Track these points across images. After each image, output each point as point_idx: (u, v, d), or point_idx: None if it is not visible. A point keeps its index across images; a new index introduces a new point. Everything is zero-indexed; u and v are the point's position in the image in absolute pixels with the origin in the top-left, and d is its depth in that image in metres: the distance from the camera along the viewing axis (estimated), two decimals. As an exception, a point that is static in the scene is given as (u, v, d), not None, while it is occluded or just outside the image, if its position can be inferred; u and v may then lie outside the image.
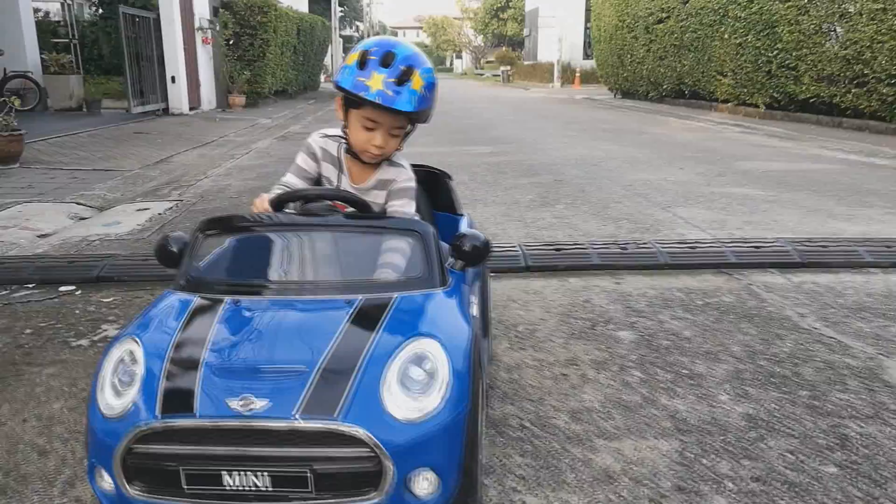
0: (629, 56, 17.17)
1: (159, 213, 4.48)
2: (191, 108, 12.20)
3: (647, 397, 1.89)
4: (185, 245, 1.49)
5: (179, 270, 1.46)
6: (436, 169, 2.08)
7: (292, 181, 1.71)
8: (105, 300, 2.79)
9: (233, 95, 13.79)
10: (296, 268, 1.49)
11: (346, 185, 1.69)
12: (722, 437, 1.67)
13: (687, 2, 13.86)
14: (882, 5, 8.64)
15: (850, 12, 9.27)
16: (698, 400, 1.87)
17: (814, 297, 2.72)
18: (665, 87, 15.57)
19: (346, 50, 40.53)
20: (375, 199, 1.68)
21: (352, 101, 1.55)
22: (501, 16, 47.18)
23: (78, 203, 4.73)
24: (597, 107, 16.17)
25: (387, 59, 1.50)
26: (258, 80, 14.46)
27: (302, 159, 1.73)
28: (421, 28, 71.66)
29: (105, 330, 2.46)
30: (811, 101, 10.55)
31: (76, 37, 12.71)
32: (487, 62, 48.69)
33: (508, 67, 34.80)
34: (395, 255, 1.48)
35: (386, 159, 1.67)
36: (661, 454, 1.60)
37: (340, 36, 36.90)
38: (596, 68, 21.95)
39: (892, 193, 4.98)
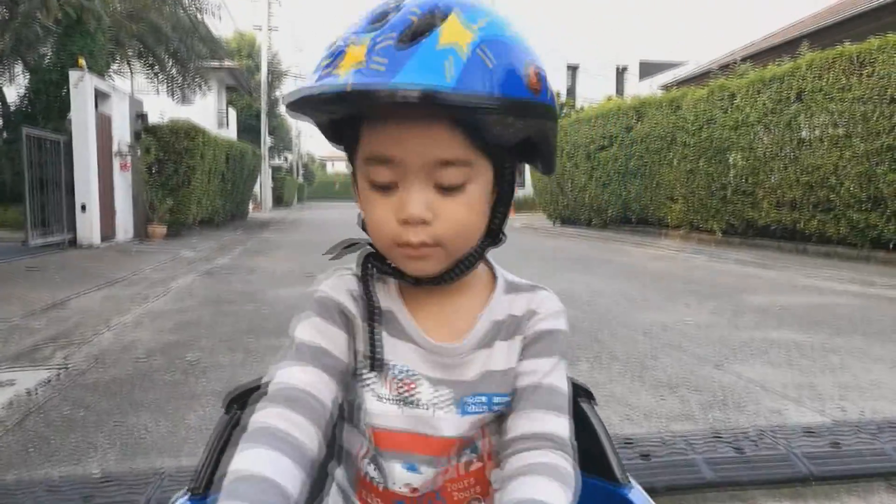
0: (569, 183, 17.02)
1: (27, 392, 3.13)
2: (104, 239, 10.82)
3: None
4: None
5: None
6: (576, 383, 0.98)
7: (289, 384, 0.75)
8: None
9: (153, 225, 12.50)
10: None
11: (423, 358, 0.79)
12: None
13: (631, 129, 13.84)
14: (845, 131, 8.47)
15: (810, 138, 9.10)
16: None
17: None
18: (610, 213, 15.30)
19: (275, 179, 40.11)
20: (489, 366, 0.79)
21: (347, 152, 0.76)
22: (431, 146, 48.28)
23: (-89, 376, 3.34)
24: (542, 235, 15.67)
25: (386, 13, 0.67)
26: (182, 208, 13.28)
27: (311, 329, 0.78)
28: (350, 158, 72.93)
29: None
30: (771, 227, 10.21)
31: (-25, 162, 11.35)
32: (418, 190, 49.17)
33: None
34: None
35: (464, 266, 0.78)
36: None
37: (270, 166, 36.52)
38: (533, 196, 21.90)
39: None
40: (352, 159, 0.77)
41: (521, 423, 0.77)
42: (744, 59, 13.27)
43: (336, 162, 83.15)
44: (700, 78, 17.11)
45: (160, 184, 12.98)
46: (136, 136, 12.63)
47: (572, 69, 30.89)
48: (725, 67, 13.12)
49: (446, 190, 0.71)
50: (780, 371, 3.33)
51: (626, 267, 8.38)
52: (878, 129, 7.97)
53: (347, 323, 0.79)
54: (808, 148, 9.17)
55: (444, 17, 0.65)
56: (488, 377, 0.79)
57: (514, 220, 21.85)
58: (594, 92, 28.22)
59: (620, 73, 30.93)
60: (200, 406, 2.90)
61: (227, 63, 27.37)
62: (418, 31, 0.65)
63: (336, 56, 0.67)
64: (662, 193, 12.96)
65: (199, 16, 17.46)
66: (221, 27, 47.85)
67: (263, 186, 31.79)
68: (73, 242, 10.35)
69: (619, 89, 29.61)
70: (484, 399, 0.79)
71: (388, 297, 0.81)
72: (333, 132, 0.77)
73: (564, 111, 25.03)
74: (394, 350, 0.79)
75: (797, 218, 9.57)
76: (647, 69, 31.26)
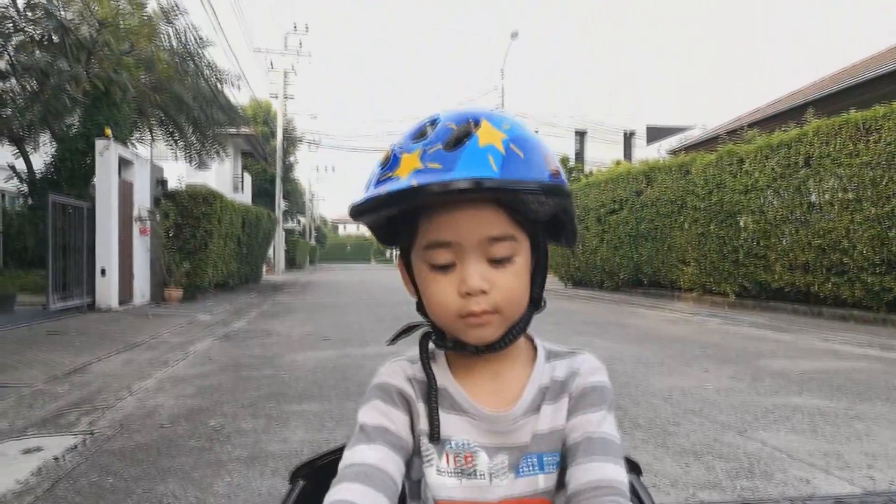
0: (580, 246, 17.13)
1: (55, 459, 3.16)
2: (121, 303, 10.95)
3: None
4: None
5: None
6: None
7: (359, 462, 0.81)
8: None
9: (169, 288, 12.64)
10: None
11: (477, 428, 0.85)
12: None
13: (641, 194, 14.02)
14: (854, 195, 8.57)
15: (820, 202, 9.20)
16: None
17: None
18: (622, 276, 15.33)
19: (288, 242, 40.53)
20: (537, 428, 0.85)
21: (404, 247, 0.86)
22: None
23: (-60, 442, 3.38)
24: (555, 297, 15.68)
25: (424, 130, 0.81)
26: (198, 272, 13.44)
27: (374, 411, 0.86)
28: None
29: None
30: (786, 289, 10.21)
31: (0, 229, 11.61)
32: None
33: (453, 258, 35.08)
34: None
35: (516, 330, 0.85)
36: None
37: (283, 229, 36.98)
38: (544, 258, 21.99)
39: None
40: (405, 251, 0.86)
41: (579, 475, 0.81)
42: (750, 125, 13.54)
43: (348, 225, 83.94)
44: (707, 143, 17.41)
45: (177, 248, 13.19)
46: (156, 201, 12.93)
47: (580, 134, 31.45)
48: (733, 133, 13.36)
49: (497, 263, 0.80)
50: (805, 438, 3.31)
51: (641, 330, 8.36)
52: (887, 193, 8.08)
53: (406, 404, 0.87)
54: (818, 212, 9.26)
55: (477, 124, 0.79)
56: (538, 439, 0.85)
57: (526, 283, 21.85)
58: (603, 156, 28.67)
59: (628, 137, 31.46)
60: (227, 473, 2.92)
61: (244, 130, 28.12)
62: (459, 138, 0.77)
63: (392, 166, 0.79)
64: (674, 256, 13.01)
65: (219, 86, 18.06)
66: (239, 95, 49.33)
67: (277, 249, 32.12)
68: (92, 306, 10.48)
69: (627, 154, 30.05)
70: (535, 460, 0.85)
71: (440, 373, 0.88)
72: (387, 232, 0.87)
73: (573, 175, 25.38)
74: (451, 425, 0.85)
75: (811, 281, 9.58)
76: (655, 134, 31.80)
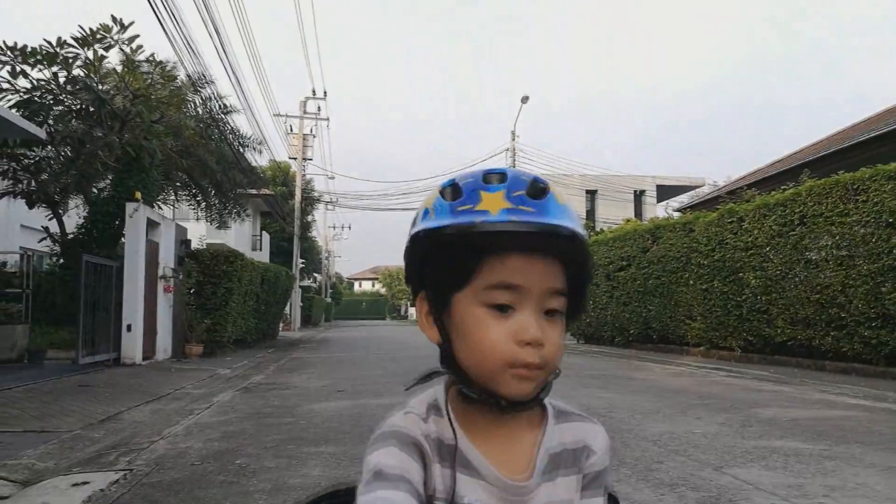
0: (591, 302, 17.40)
1: (101, 490, 3.56)
2: (145, 358, 11.41)
3: None
4: None
5: None
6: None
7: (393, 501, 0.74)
8: None
9: (190, 344, 13.10)
10: None
11: (492, 494, 0.79)
12: None
13: (647, 251, 14.44)
14: (847, 253, 8.94)
15: (816, 259, 9.57)
16: None
17: None
18: (632, 331, 15.60)
19: (305, 299, 41.11)
20: (553, 498, 0.81)
21: (449, 285, 0.78)
22: (456, 267, 49.38)
23: (-3, 477, 3.79)
24: (566, 352, 15.86)
25: (498, 178, 0.79)
26: (218, 328, 13.92)
27: (391, 457, 0.77)
28: (377, 279, 74.32)
29: None
30: (789, 343, 10.47)
31: (30, 287, 12.22)
32: (443, 310, 49.75)
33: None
34: None
35: (545, 389, 0.82)
36: None
37: (300, 287, 37.59)
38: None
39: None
40: (445, 291, 0.79)
41: None
42: (750, 185, 14.01)
43: (363, 282, 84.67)
44: (712, 202, 17.87)
45: (199, 305, 13.71)
46: (180, 260, 13.52)
47: (591, 193, 32.08)
48: (733, 193, 13.84)
49: (549, 315, 0.77)
50: (774, 473, 3.64)
51: (645, 383, 8.65)
52: (878, 250, 8.44)
53: (422, 459, 0.79)
54: (815, 268, 9.61)
55: (546, 185, 0.78)
56: None
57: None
58: (614, 214, 29.20)
59: (638, 196, 32.04)
60: (254, 501, 3.30)
61: (264, 191, 29.08)
62: (537, 192, 0.76)
63: (470, 199, 0.76)
64: (681, 312, 13.32)
65: (241, 150, 18.94)
66: (259, 157, 50.90)
67: (294, 306, 32.65)
68: (117, 360, 10.94)
69: (638, 212, 30.57)
70: None
71: (454, 421, 0.81)
72: (419, 271, 0.82)
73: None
74: (463, 485, 0.79)
75: (812, 335, 9.85)
76: (665, 192, 32.36)
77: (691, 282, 12.71)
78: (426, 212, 0.80)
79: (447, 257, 0.77)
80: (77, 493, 3.50)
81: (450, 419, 0.79)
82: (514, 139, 30.94)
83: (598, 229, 26.12)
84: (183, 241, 14.04)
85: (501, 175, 0.78)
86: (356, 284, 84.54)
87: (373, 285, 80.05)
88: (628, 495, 3.24)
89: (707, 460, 3.98)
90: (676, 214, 18.90)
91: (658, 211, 30.29)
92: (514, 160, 31.02)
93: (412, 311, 68.48)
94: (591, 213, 31.58)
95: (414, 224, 0.81)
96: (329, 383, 8.80)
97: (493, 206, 0.75)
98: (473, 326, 0.77)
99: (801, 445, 4.43)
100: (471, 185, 0.78)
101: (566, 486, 0.82)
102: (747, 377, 9.32)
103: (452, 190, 0.79)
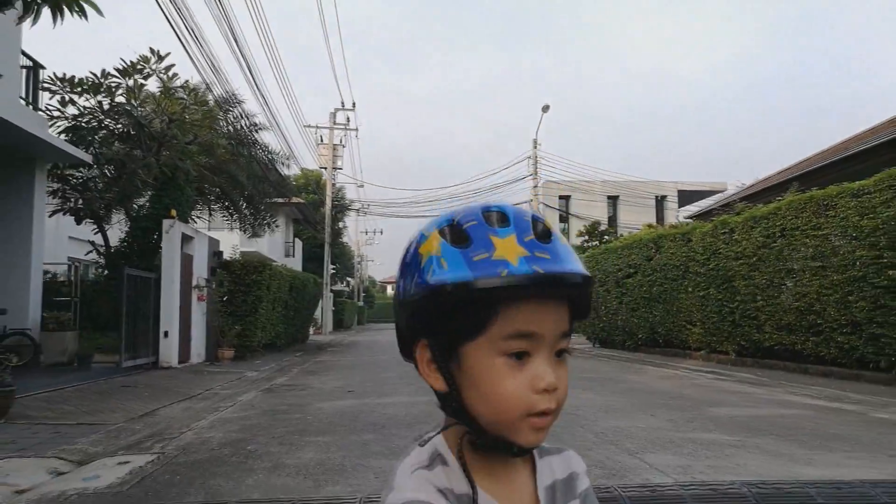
0: (603, 307, 18.18)
1: (140, 467, 4.53)
2: (180, 362, 12.53)
3: None
4: None
5: None
6: None
7: None
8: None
9: (222, 349, 14.22)
10: None
11: None
12: None
13: (651, 259, 15.12)
14: (821, 264, 9.58)
15: (796, 269, 10.21)
16: None
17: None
18: (640, 336, 16.28)
19: (336, 303, 42.44)
20: None
21: (460, 334, 0.75)
22: (484, 271, 50.23)
23: (58, 457, 4.79)
24: (577, 356, 16.69)
25: (499, 218, 0.77)
26: (248, 334, 15.03)
27: None
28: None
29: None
30: (776, 348, 11.09)
31: (78, 296, 13.46)
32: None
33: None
34: None
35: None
36: None
37: (331, 291, 38.85)
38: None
39: (854, 438, 5.17)
40: (451, 342, 0.75)
41: None
42: (750, 196, 14.60)
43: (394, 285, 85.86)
44: (722, 209, 18.41)
45: (230, 312, 14.83)
46: (212, 271, 14.66)
47: (612, 199, 32.61)
48: (727, 206, 14.47)
49: (557, 356, 0.75)
50: (677, 458, 4.43)
51: (631, 385, 9.41)
52: (846, 262, 9.07)
53: None
54: (795, 277, 10.25)
55: (545, 222, 0.77)
56: None
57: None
58: (635, 220, 29.73)
59: (660, 201, 32.47)
60: (255, 474, 4.24)
61: (295, 199, 30.37)
62: (544, 234, 0.75)
63: (482, 246, 0.72)
64: (682, 318, 13.98)
65: (270, 165, 20.12)
66: (288, 168, 52.48)
67: (325, 311, 33.89)
68: (156, 364, 12.07)
69: (660, 217, 31.03)
70: None
71: (463, 480, 0.77)
72: (426, 321, 0.76)
73: (606, 238, 26.45)
74: None
75: (795, 340, 10.48)
76: (687, 197, 32.71)
77: (690, 289, 13.38)
78: (435, 260, 0.74)
79: (462, 308, 0.73)
80: (121, 469, 4.48)
81: (465, 470, 0.77)
82: (535, 147, 31.65)
83: (619, 234, 26.74)
84: (215, 253, 15.19)
85: (500, 214, 0.76)
86: (388, 288, 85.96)
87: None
88: (547, 473, 4.08)
89: (630, 448, 4.79)
90: (687, 223, 19.43)
91: (681, 216, 30.64)
92: (536, 167, 31.73)
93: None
94: (612, 219, 32.16)
95: (419, 272, 0.75)
96: (343, 384, 9.76)
97: (510, 254, 0.72)
98: (489, 377, 0.74)
99: (722, 437, 5.20)
100: (477, 230, 0.75)
101: None
102: (731, 380, 10.00)
103: (455, 233, 0.75)
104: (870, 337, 8.82)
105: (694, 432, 5.46)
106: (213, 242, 15.23)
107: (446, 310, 0.74)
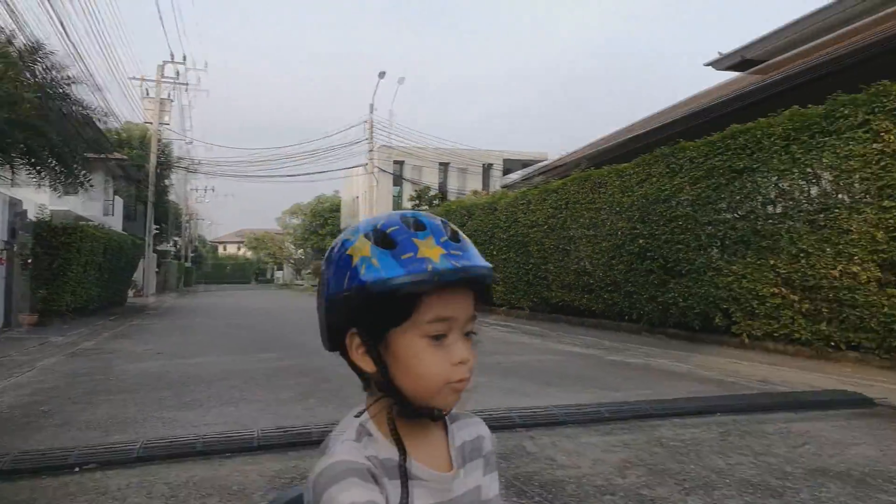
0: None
1: (-79, 429, 4.67)
2: (-25, 328, 11.85)
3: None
4: None
5: None
6: None
7: None
8: None
9: (24, 314, 13.55)
10: None
11: (431, 493, 0.92)
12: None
13: (464, 225, 16.39)
14: (593, 233, 11.14)
15: (576, 237, 11.75)
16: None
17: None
18: (454, 295, 17.58)
19: (161, 265, 40.52)
20: (467, 485, 0.97)
21: (387, 322, 0.89)
22: (320, 231, 50.24)
23: None
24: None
25: (416, 225, 0.92)
26: (55, 298, 14.38)
27: (359, 491, 0.83)
28: (242, 242, 73.44)
29: None
30: (560, 304, 12.70)
31: None
32: (307, 272, 50.61)
33: (325, 279, 36.52)
34: None
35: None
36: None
37: (155, 251, 37.09)
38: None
39: (581, 376, 6.42)
40: (381, 328, 0.88)
41: None
42: (553, 170, 16.25)
43: (229, 245, 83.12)
44: (525, 181, 20.13)
45: (35, 276, 14.10)
46: (13, 233, 13.82)
47: (444, 166, 33.98)
48: (527, 178, 16.08)
49: (467, 336, 0.93)
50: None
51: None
52: (611, 232, 10.65)
53: (376, 483, 0.85)
54: (575, 243, 11.80)
55: (451, 225, 0.95)
56: (468, 495, 0.96)
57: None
58: (464, 186, 31.28)
59: (487, 169, 34.33)
60: (43, 431, 4.57)
61: (116, 155, 28.55)
62: (454, 235, 0.93)
63: (407, 248, 0.87)
64: (489, 278, 15.38)
65: (85, 121, 18.89)
66: (112, 121, 48.56)
67: (147, 272, 32.39)
68: (-54, 332, 11.35)
69: (486, 184, 32.86)
70: None
71: (390, 445, 0.90)
72: (355, 315, 0.89)
73: (435, 203, 27.65)
74: (413, 493, 0.89)
75: (574, 297, 12.09)
76: (511, 166, 34.82)
77: (494, 252, 14.77)
78: (365, 261, 0.87)
79: (390, 300, 0.86)
80: None
81: (396, 435, 0.90)
82: (371, 112, 32.09)
83: (449, 200, 28.07)
84: (17, 214, 14.28)
85: (416, 220, 0.91)
86: (221, 248, 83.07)
87: (238, 249, 79.00)
88: (318, 415, 4.80)
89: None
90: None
91: (504, 183, 32.57)
92: (372, 133, 32.22)
93: (279, 275, 68.44)
94: (443, 185, 33.55)
95: (351, 272, 0.87)
96: (152, 347, 9.90)
97: (432, 253, 0.87)
98: (415, 356, 0.88)
99: (477, 380, 6.21)
100: (400, 234, 0.89)
101: (474, 471, 0.98)
102: (519, 332, 11.38)
103: (380, 237, 0.89)
104: (625, 294, 10.49)
105: (458, 377, 6.46)
106: (15, 203, 14.30)
107: (376, 302, 0.86)
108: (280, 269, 66.74)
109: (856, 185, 6.93)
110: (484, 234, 15.27)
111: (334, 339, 0.94)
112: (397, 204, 31.63)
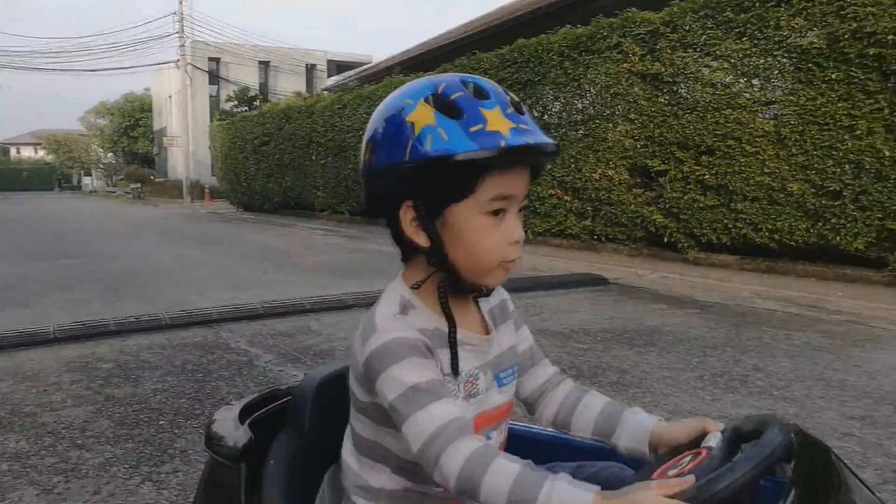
0: (243, 174, 19.05)
1: None
2: None
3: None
4: None
5: None
6: None
7: (453, 411, 0.83)
8: None
9: None
10: None
11: (475, 355, 0.96)
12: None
13: (282, 129, 16.31)
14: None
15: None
16: (124, 387, 3.15)
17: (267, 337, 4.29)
18: (275, 200, 17.67)
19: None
20: (502, 345, 1.02)
21: (449, 197, 0.85)
22: (131, 133, 46.47)
23: None
24: (216, 220, 17.49)
25: (478, 91, 0.86)
26: None
27: (419, 369, 0.85)
28: (40, 145, 66.02)
29: None
30: (376, 208, 13.34)
31: None
32: (120, 179, 47.07)
33: (139, 185, 34.47)
34: None
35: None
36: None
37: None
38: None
39: (381, 270, 7.16)
40: (439, 204, 0.86)
41: (543, 372, 1.09)
42: (366, 75, 16.47)
43: (23, 147, 74.23)
44: (340, 86, 20.17)
45: None
46: None
47: (264, 64, 32.62)
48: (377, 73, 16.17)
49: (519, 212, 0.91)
50: (234, 292, 5.80)
51: (245, 243, 10.70)
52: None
53: (431, 354, 0.88)
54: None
55: (510, 93, 0.88)
56: (506, 354, 1.02)
57: (204, 208, 23.18)
58: (286, 87, 30.36)
59: (310, 70, 33.43)
60: None
61: None
62: (518, 106, 0.86)
63: (476, 119, 0.82)
64: (309, 183, 15.65)
65: None
66: None
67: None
68: None
69: (310, 85, 32.11)
70: (509, 371, 1.02)
71: (439, 315, 0.92)
72: (413, 186, 0.85)
73: (256, 104, 26.73)
74: (462, 359, 0.93)
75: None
76: (336, 67, 34.17)
77: (314, 157, 15.00)
78: (430, 130, 0.82)
79: (453, 174, 0.82)
80: None
81: (447, 309, 0.91)
82: (181, 2, 29.75)
83: (273, 101, 27.20)
84: None
85: (476, 85, 0.86)
86: (13, 150, 73.87)
87: (35, 151, 70.92)
88: (122, 311, 5.09)
89: (200, 288, 6.04)
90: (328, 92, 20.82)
91: (328, 84, 32.04)
92: (182, 25, 29.99)
93: (87, 181, 62.40)
94: (264, 85, 32.28)
95: (416, 141, 0.82)
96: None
97: (501, 126, 0.82)
98: (474, 233, 0.86)
99: (285, 278, 6.75)
100: (465, 101, 0.83)
101: (507, 332, 1.05)
102: (336, 236, 11.95)
103: (443, 103, 0.83)
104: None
105: (267, 275, 6.94)
106: None
107: (439, 176, 0.82)
108: (88, 174, 61.06)
109: (610, 99, 8.06)
110: (301, 138, 15.33)
111: (379, 208, 0.92)
112: (216, 104, 30.03)
